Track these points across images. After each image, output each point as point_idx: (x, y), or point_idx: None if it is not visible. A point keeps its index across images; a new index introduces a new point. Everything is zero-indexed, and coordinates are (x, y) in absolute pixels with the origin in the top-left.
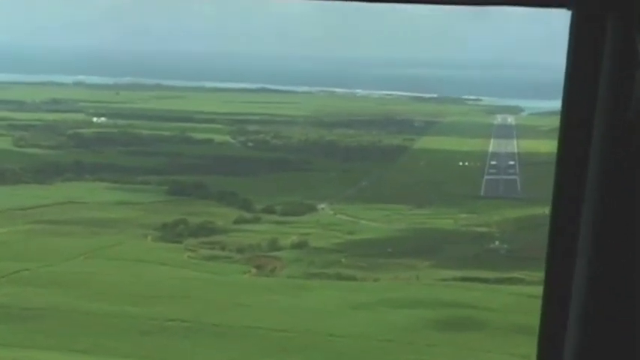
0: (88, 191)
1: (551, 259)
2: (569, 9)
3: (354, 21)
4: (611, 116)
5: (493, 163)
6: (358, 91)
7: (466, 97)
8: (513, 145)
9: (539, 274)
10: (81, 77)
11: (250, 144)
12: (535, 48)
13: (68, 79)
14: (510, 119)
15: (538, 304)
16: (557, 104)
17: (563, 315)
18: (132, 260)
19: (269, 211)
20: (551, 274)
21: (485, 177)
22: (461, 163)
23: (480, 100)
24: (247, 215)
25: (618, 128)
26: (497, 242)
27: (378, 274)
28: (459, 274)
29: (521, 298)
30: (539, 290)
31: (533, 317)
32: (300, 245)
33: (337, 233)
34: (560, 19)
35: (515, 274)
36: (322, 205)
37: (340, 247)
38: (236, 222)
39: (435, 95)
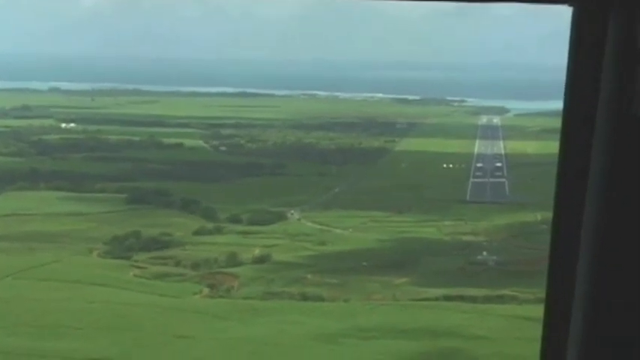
0: (39, 201)
1: (552, 264)
2: (570, 5)
3: (338, 25)
4: (614, 112)
5: (479, 165)
6: (340, 93)
7: (450, 98)
8: (500, 147)
9: (534, 291)
10: (57, 84)
11: (223, 148)
12: (519, 49)
13: (44, 85)
14: (496, 120)
15: (535, 328)
16: (544, 105)
17: (564, 330)
18: (66, 281)
19: (234, 220)
20: (553, 279)
21: (471, 180)
22: (445, 166)
23: (465, 101)
24: (209, 225)
25: (621, 124)
26: (485, 253)
27: (350, 292)
28: (442, 291)
29: (515, 321)
30: (535, 311)
31: (531, 346)
32: (262, 259)
33: (307, 244)
34: (546, 21)
35: (507, 291)
36: (293, 213)
37: (308, 261)
38: (196, 233)
39: (418, 97)
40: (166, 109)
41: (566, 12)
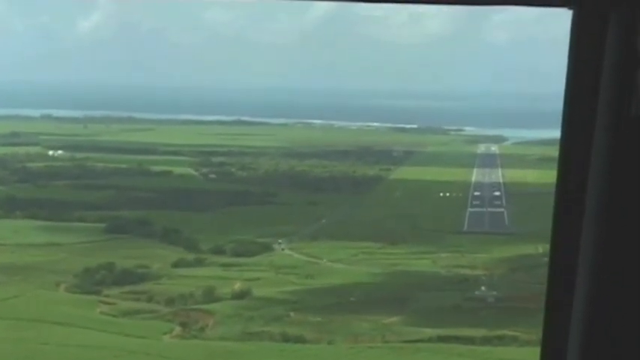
0: (12, 231)
1: (552, 272)
2: (570, 8)
3: (333, 53)
4: (613, 115)
5: (477, 194)
6: (336, 122)
7: (447, 127)
8: (498, 175)
9: (537, 331)
10: (49, 111)
11: (212, 176)
12: (516, 78)
13: (36, 112)
14: (494, 148)
15: None
16: (543, 133)
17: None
18: (22, 319)
19: (217, 251)
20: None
21: (469, 209)
22: (441, 194)
23: (462, 130)
24: (190, 257)
25: (620, 127)
26: (483, 288)
27: (335, 333)
28: (436, 332)
29: None
30: (538, 354)
31: None
32: (241, 295)
33: (292, 277)
34: (542, 50)
35: (507, 331)
36: (280, 244)
37: (292, 297)
38: (175, 265)
39: (416, 126)
40: (159, 136)
41: (562, 41)
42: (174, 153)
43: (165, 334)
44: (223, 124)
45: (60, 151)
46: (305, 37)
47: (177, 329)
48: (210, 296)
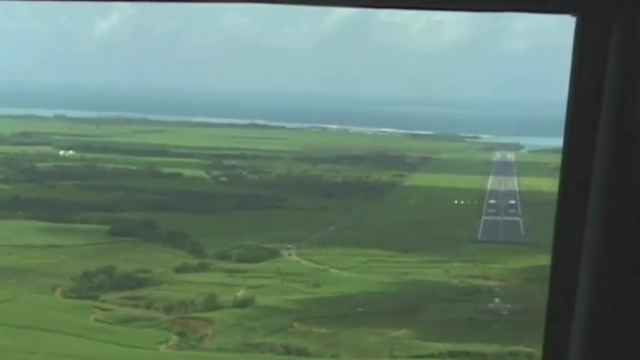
0: (13, 231)
1: (554, 276)
2: (573, 15)
3: (351, 59)
4: (617, 121)
5: (492, 202)
6: (352, 127)
7: (463, 134)
8: (514, 183)
9: None
10: (63, 111)
11: (223, 179)
12: (534, 86)
13: (49, 112)
14: (510, 156)
15: None
16: (560, 141)
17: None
18: (13, 325)
19: (222, 256)
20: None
21: (483, 217)
22: (456, 202)
23: (478, 137)
24: (194, 262)
25: (623, 134)
26: (497, 300)
27: (340, 346)
28: (446, 346)
29: None
30: None
31: None
32: (244, 303)
33: (299, 285)
34: (557, 57)
35: (521, 347)
36: (288, 250)
37: (297, 306)
38: (178, 270)
39: (431, 132)
40: (172, 138)
41: None
42: (186, 155)
43: (161, 343)
44: (237, 127)
45: (70, 152)
46: (323, 42)
47: (174, 338)
48: (211, 304)
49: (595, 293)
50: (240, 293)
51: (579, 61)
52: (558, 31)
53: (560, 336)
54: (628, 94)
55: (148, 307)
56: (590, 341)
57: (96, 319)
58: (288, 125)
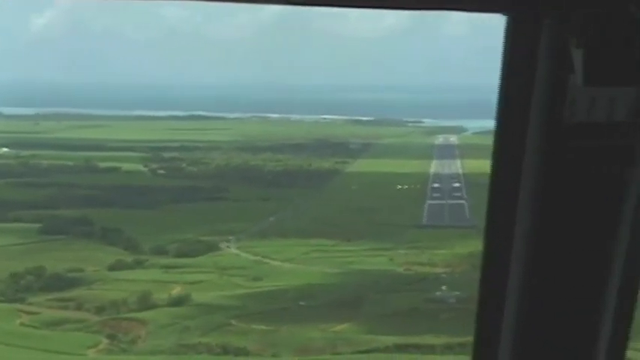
0: None
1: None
2: (504, 14)
3: (290, 47)
4: (546, 121)
5: (436, 185)
6: (293, 116)
7: (406, 119)
8: (458, 166)
9: None
10: None
11: (161, 171)
12: (476, 69)
13: None
14: (453, 139)
15: None
16: None
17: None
18: None
19: (159, 251)
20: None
21: (428, 202)
22: (399, 187)
23: (421, 121)
24: (128, 259)
25: (552, 132)
26: (444, 288)
27: (280, 344)
28: (392, 339)
29: None
30: None
31: None
32: (180, 301)
33: (238, 279)
34: (500, 39)
35: (471, 338)
36: (227, 242)
37: (236, 302)
38: (112, 268)
39: (373, 118)
40: (111, 133)
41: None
42: (124, 149)
43: (90, 347)
44: (177, 119)
45: (5, 149)
46: (262, 32)
47: (105, 342)
48: (145, 303)
49: (527, 278)
50: (176, 290)
51: (510, 60)
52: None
53: (492, 321)
54: (558, 94)
55: (79, 308)
56: (522, 326)
57: (21, 324)
58: (229, 115)
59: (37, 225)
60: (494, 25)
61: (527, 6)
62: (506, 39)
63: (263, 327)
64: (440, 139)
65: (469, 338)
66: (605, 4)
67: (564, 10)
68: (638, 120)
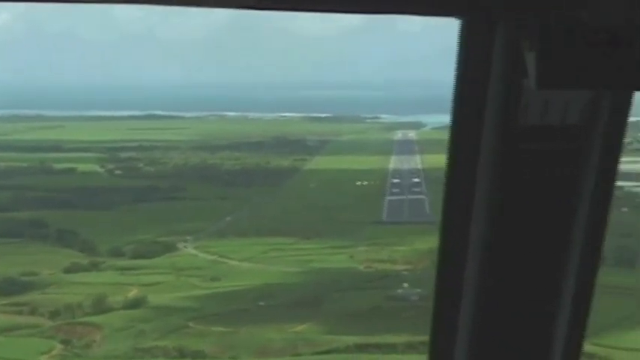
0: None
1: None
2: (458, 18)
3: (247, 45)
4: (501, 124)
5: (395, 181)
6: (250, 114)
7: (364, 115)
8: (417, 161)
9: None
10: None
11: (118, 172)
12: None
13: None
14: (412, 134)
15: None
16: None
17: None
18: None
19: (115, 253)
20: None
21: (388, 197)
22: (358, 183)
23: (379, 117)
24: (84, 261)
25: (507, 134)
26: (405, 285)
27: (239, 346)
28: (353, 339)
29: None
30: None
31: None
32: (136, 303)
33: (195, 280)
34: (451, 35)
35: None
36: (185, 243)
37: (193, 303)
38: (67, 271)
39: (331, 115)
40: (67, 133)
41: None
42: (81, 150)
43: (43, 353)
44: (135, 118)
45: None
46: (217, 31)
47: (59, 347)
48: (100, 306)
49: (482, 278)
50: (132, 293)
51: (464, 62)
52: None
53: (448, 320)
54: (512, 97)
55: (32, 313)
56: (478, 325)
57: None
58: (187, 115)
59: None
60: (449, 22)
61: (480, 9)
62: (460, 41)
63: (221, 329)
64: (399, 135)
65: None
66: (558, 9)
67: (517, 14)
68: (591, 123)
